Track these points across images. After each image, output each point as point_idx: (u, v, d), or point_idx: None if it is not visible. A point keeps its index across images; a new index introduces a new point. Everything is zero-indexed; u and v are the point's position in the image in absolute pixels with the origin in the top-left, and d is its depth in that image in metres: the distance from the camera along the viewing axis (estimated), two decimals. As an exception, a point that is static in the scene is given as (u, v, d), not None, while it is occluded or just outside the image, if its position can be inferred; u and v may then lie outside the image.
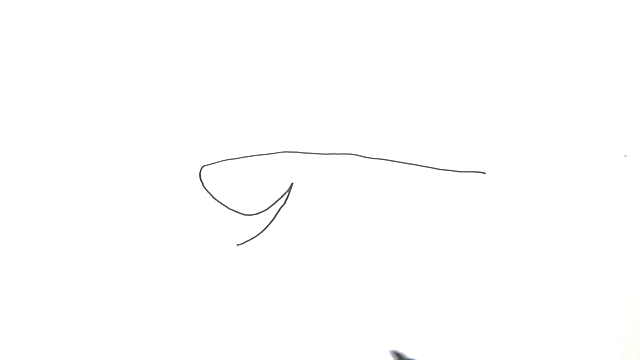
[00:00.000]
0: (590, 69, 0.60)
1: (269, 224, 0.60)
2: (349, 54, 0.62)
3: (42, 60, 0.63)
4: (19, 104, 0.63)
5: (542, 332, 0.61)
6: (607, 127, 0.60)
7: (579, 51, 0.61)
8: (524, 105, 0.60)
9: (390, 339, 0.58)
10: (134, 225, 0.57)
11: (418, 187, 0.60)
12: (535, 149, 0.60)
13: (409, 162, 0.60)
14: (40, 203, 0.61)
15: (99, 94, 0.62)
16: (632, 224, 0.60)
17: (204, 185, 0.60)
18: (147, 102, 0.62)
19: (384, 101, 0.61)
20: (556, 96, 0.59)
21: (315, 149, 0.61)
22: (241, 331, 0.61)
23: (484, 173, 0.60)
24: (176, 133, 0.61)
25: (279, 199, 0.60)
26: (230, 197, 0.60)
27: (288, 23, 0.62)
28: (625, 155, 0.61)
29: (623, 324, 0.60)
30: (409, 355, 0.44)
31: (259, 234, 0.60)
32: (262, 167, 0.61)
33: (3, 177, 0.62)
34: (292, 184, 0.60)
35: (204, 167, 0.60)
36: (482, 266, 0.61)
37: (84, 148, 0.56)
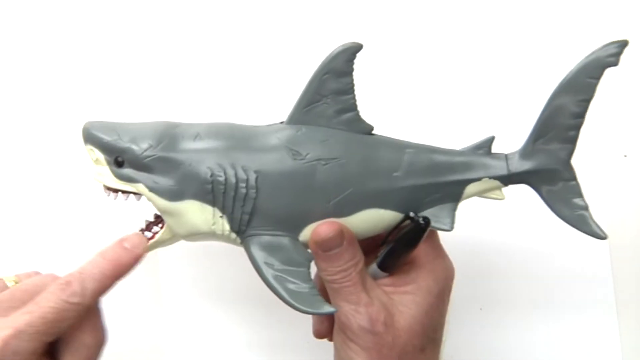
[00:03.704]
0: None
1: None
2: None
3: (36, 63, 0.63)
4: (16, 106, 0.62)
5: (541, 332, 0.61)
6: (607, 127, 0.60)
7: (578, 51, 0.61)
8: (523, 106, 0.60)
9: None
10: (133, 225, 0.56)
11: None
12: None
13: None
14: (39, 204, 0.61)
15: (97, 95, 0.62)
16: (632, 223, 0.60)
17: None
18: (146, 103, 0.62)
19: (384, 101, 0.61)
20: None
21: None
22: (241, 331, 0.61)
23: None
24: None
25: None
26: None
27: (287, 23, 0.62)
28: (625, 155, 0.61)
29: (623, 324, 0.60)
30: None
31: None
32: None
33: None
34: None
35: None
36: (482, 266, 0.61)
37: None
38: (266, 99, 0.61)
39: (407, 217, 0.46)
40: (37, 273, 0.45)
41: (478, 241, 0.60)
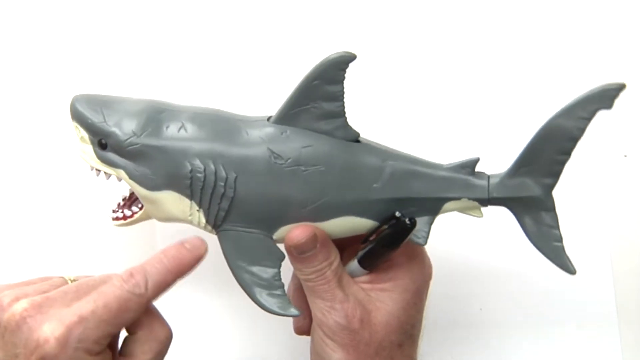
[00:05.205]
0: (590, 69, 0.60)
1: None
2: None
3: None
4: (15, 107, 0.62)
5: (541, 333, 0.61)
6: (607, 127, 0.60)
7: (578, 51, 0.61)
8: (524, 106, 0.60)
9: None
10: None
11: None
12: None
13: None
14: (37, 203, 0.61)
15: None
16: (632, 224, 0.60)
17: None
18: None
19: (383, 101, 0.61)
20: (556, 96, 0.59)
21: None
22: (240, 332, 0.61)
23: (484, 173, 0.60)
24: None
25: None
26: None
27: (285, 23, 0.62)
28: (625, 155, 0.61)
29: (623, 324, 0.60)
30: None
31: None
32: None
33: None
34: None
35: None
36: (481, 266, 0.61)
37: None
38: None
39: (392, 216, 0.46)
40: None
41: (478, 241, 0.60)
